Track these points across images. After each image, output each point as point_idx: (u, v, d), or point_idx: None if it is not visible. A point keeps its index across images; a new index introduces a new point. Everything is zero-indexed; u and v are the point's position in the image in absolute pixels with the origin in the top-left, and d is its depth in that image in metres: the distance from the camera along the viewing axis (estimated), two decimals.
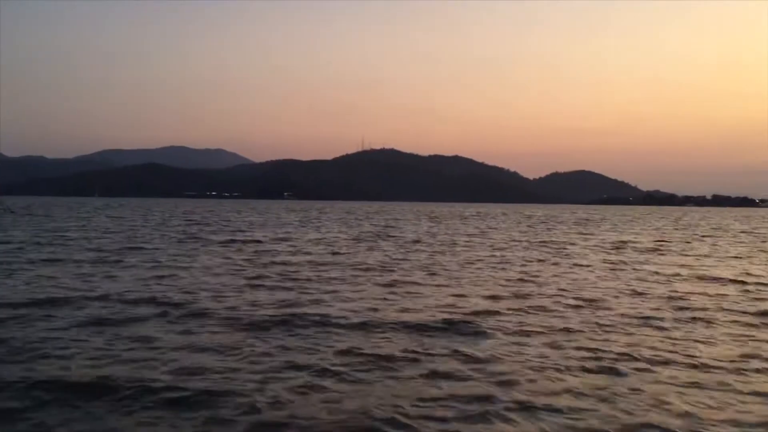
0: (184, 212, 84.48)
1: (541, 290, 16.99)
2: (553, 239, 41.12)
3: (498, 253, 28.88)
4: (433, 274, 20.50)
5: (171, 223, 52.42)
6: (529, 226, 63.16)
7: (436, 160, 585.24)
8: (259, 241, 33.76)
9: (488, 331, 11.53)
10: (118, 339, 10.35)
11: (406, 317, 12.61)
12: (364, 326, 11.73)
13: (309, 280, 18.23)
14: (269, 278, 18.33)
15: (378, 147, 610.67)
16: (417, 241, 36.43)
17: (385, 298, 15.09)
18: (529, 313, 13.48)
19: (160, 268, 20.18)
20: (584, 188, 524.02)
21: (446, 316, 12.74)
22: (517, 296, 15.83)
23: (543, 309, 13.98)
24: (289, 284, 17.23)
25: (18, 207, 77.18)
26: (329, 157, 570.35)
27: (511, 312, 13.50)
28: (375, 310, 13.42)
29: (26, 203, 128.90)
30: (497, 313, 13.37)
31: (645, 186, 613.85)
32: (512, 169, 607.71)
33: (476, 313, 13.17)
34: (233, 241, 33.66)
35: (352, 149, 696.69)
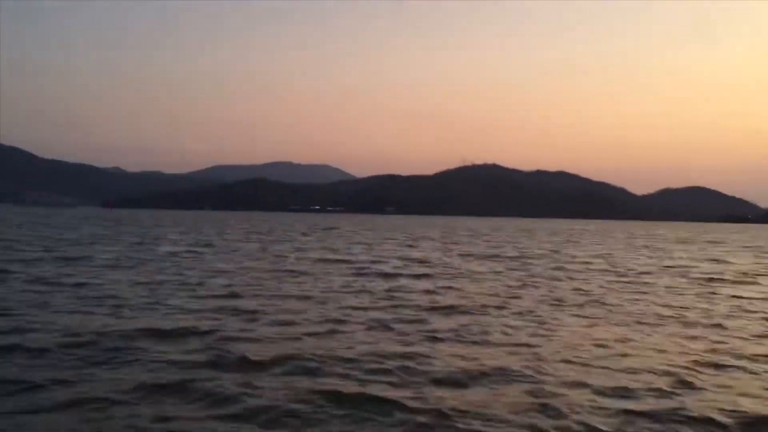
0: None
1: None
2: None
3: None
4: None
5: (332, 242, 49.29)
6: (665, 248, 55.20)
7: (540, 175, 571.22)
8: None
9: None
10: None
11: None
12: None
13: None
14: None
15: (479, 162, 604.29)
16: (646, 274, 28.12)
17: None
18: None
19: None
20: (698, 205, 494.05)
21: None
22: None
23: None
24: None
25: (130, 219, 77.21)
26: (430, 172, 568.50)
27: None
28: None
29: (140, 216, 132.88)
30: None
31: (766, 203, 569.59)
32: (620, 185, 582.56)
33: None
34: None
35: (453, 164, 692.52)
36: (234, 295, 16.52)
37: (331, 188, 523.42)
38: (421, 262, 30.63)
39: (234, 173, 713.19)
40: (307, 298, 16.66)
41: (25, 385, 7.94)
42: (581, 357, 10.32)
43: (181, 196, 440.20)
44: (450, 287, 19.95)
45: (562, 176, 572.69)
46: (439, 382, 8.71)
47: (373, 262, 29.49)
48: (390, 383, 8.56)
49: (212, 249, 35.74)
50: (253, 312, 13.92)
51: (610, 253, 41.94)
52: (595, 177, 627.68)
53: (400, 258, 32.50)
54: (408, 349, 10.48)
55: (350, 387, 8.28)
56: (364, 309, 14.98)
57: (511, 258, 34.63)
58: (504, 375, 9.06)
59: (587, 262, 32.48)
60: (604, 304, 17.05)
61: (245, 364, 9.29)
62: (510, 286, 20.77)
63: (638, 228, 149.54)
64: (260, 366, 9.21)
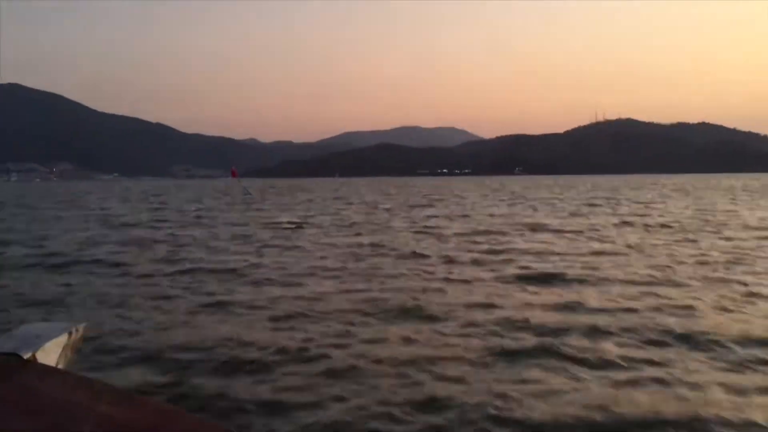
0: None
1: None
2: None
3: None
4: None
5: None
6: None
7: (680, 128, 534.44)
8: None
9: None
10: None
11: None
12: None
13: None
14: None
15: (613, 117, 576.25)
16: None
17: None
18: None
19: None
20: None
21: None
22: None
23: None
24: None
25: (255, 189, 79.15)
26: (561, 130, 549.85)
27: None
28: None
29: (269, 185, 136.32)
30: None
31: None
32: None
33: None
34: None
35: (584, 121, 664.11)
36: None
37: (458, 150, 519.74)
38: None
39: (361, 139, 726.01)
40: None
41: None
42: None
43: (311, 164, 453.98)
44: None
45: (704, 128, 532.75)
46: None
47: None
48: None
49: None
50: None
51: None
52: (742, 127, 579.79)
53: None
54: None
55: None
56: None
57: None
58: None
59: None
60: None
61: None
62: None
63: None
64: None
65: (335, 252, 15.75)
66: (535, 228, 22.56)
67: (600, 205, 38.10)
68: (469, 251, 15.66)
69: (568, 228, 22.30)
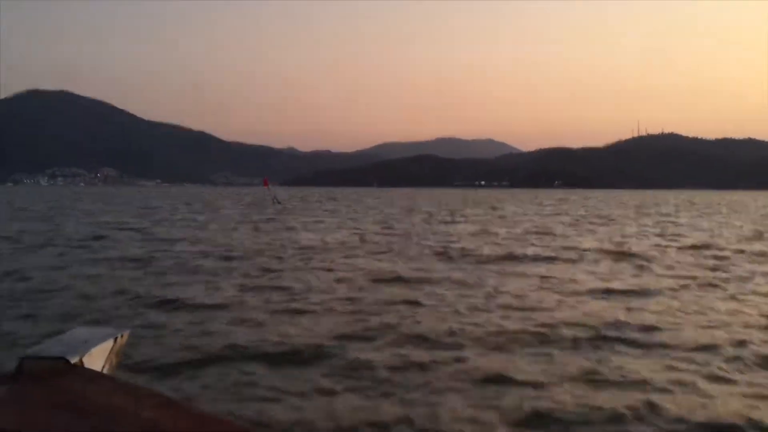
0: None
1: None
2: None
3: None
4: None
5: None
6: None
7: (725, 144, 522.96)
8: None
9: None
10: None
11: None
12: None
13: None
14: None
15: (656, 132, 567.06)
16: None
17: None
18: None
19: None
20: None
21: None
22: None
23: None
24: None
25: (284, 197, 78.92)
26: (601, 143, 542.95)
27: None
28: None
29: (303, 193, 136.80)
30: None
31: None
32: None
33: None
34: None
35: (626, 135, 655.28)
36: None
37: (495, 162, 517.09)
38: None
39: (399, 150, 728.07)
40: None
41: None
42: None
43: (349, 173, 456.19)
44: None
45: (750, 144, 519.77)
46: None
47: None
48: None
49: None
50: None
51: None
52: None
53: None
54: None
55: None
56: None
57: None
58: None
59: None
60: None
61: None
62: None
63: None
64: None
65: None
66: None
67: None
68: None
69: None
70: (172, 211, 45.43)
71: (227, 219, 34.41)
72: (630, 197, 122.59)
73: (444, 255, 16.73)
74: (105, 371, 2.42)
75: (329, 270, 13.55)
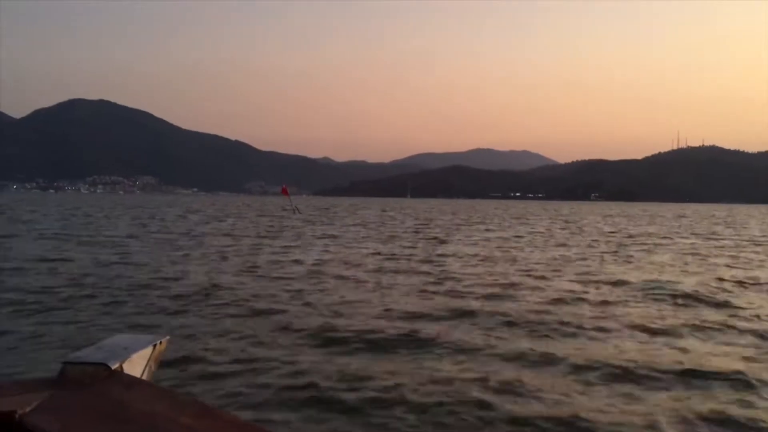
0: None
1: None
2: None
3: None
4: None
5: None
6: None
7: (767, 156, 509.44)
8: None
9: None
10: None
11: None
12: None
13: None
14: None
15: (696, 144, 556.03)
16: None
17: None
18: None
19: None
20: None
21: None
22: None
23: None
24: None
25: (306, 206, 78.15)
26: (639, 156, 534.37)
27: None
28: None
29: (329, 203, 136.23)
30: None
31: None
32: None
33: None
34: None
35: (665, 147, 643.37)
36: None
37: (531, 174, 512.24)
38: None
39: (434, 161, 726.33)
40: None
41: None
42: None
43: (383, 183, 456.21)
44: None
45: None
46: None
47: None
48: None
49: None
50: None
51: None
52: None
53: None
54: None
55: None
56: None
57: None
58: None
59: None
60: None
61: None
62: None
63: None
64: None
65: None
66: None
67: None
68: None
69: None
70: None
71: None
72: (701, 211, 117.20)
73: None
74: (144, 377, 2.50)
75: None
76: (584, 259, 19.62)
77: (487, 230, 36.76)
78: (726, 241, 30.93)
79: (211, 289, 11.82)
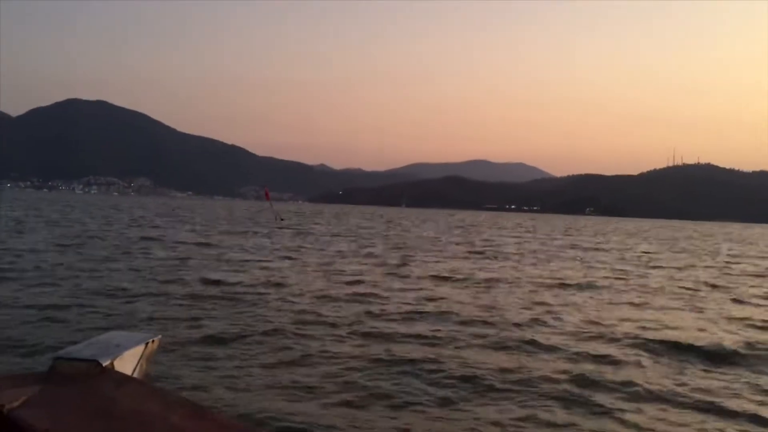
0: None
1: None
2: None
3: None
4: None
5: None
6: None
7: (762, 176, 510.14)
8: None
9: None
10: None
11: None
12: None
13: None
14: None
15: (691, 161, 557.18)
16: None
17: None
18: None
19: None
20: None
21: None
22: None
23: None
24: None
25: (290, 214, 77.89)
26: (635, 172, 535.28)
27: None
28: None
29: (317, 210, 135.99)
30: None
31: None
32: None
33: None
34: None
35: (660, 164, 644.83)
36: None
37: (527, 187, 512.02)
38: None
39: (430, 171, 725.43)
40: None
41: None
42: None
43: (379, 192, 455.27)
44: None
45: None
46: None
47: None
48: None
49: None
50: None
51: None
52: None
53: None
54: None
55: None
56: None
57: None
58: None
59: None
60: None
61: None
62: None
63: None
64: None
65: None
66: None
67: None
68: None
69: None
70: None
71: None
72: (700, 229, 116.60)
73: None
74: (135, 375, 2.47)
75: None
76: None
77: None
78: None
79: None
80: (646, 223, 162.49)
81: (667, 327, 11.42)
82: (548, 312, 12.43)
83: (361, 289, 14.82)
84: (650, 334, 10.50)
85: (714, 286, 18.85)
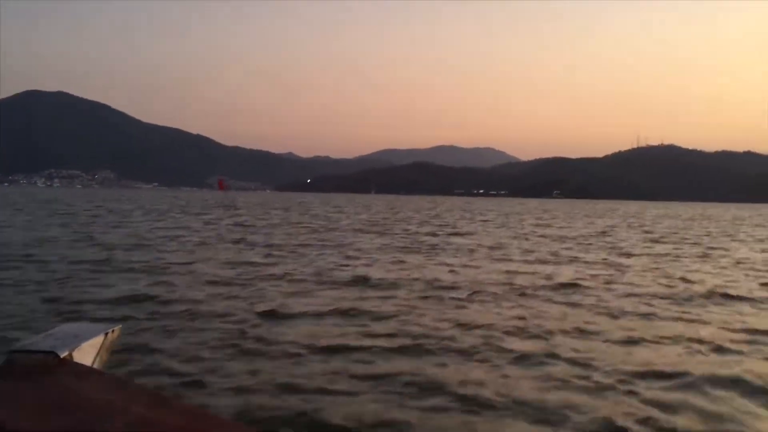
0: None
1: None
2: None
3: None
4: None
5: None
6: None
7: (724, 156, 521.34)
8: None
9: None
10: None
11: None
12: None
13: None
14: None
15: (655, 143, 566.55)
16: None
17: None
18: None
19: None
20: None
21: None
22: None
23: None
24: None
25: (253, 204, 76.24)
26: (600, 154, 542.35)
27: None
28: None
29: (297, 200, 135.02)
30: None
31: None
32: None
33: None
34: None
35: (625, 146, 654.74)
36: None
37: (494, 171, 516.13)
38: None
39: (399, 157, 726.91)
40: None
41: None
42: None
43: (347, 179, 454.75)
44: None
45: (749, 157, 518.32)
46: None
47: None
48: None
49: None
50: None
51: None
52: None
53: None
54: None
55: None
56: None
57: None
58: None
59: None
60: None
61: None
62: None
63: None
64: None
65: None
66: None
67: None
68: None
69: None
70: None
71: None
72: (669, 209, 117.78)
73: None
74: (95, 366, 2.45)
75: None
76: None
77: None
78: None
79: None
80: (604, 205, 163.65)
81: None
82: None
83: None
84: None
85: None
